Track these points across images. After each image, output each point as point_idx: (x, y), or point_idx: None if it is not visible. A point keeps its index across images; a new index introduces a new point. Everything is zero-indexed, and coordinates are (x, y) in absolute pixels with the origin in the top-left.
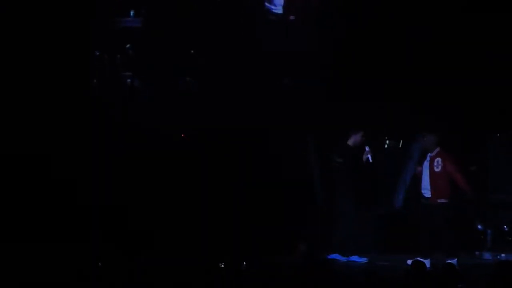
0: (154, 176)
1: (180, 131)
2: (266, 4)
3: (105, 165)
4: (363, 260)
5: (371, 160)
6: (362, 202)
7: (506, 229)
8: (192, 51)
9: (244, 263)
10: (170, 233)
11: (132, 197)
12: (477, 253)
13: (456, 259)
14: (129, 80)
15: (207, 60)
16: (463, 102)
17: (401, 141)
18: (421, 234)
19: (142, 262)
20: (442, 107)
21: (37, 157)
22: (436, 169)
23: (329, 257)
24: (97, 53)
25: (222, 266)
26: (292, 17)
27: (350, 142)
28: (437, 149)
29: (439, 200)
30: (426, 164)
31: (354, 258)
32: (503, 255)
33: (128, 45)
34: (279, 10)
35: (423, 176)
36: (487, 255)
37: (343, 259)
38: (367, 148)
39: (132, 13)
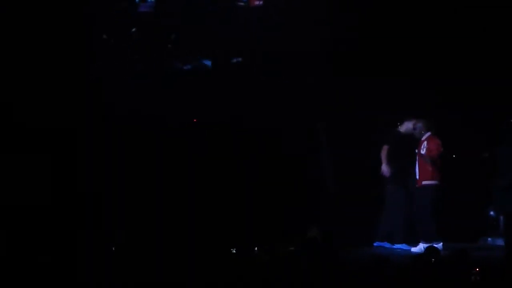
0: (160, 163)
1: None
2: None
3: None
4: (411, 248)
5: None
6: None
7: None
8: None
9: (256, 249)
10: (182, 219)
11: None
12: (489, 239)
13: (441, 243)
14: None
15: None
16: (475, 89)
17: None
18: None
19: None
20: (455, 94)
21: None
22: (422, 152)
23: (376, 244)
24: (101, 37)
25: (234, 251)
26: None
27: (402, 128)
28: (428, 133)
29: (423, 182)
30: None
31: (403, 246)
32: None
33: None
34: None
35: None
36: (499, 241)
37: (391, 246)
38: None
39: None
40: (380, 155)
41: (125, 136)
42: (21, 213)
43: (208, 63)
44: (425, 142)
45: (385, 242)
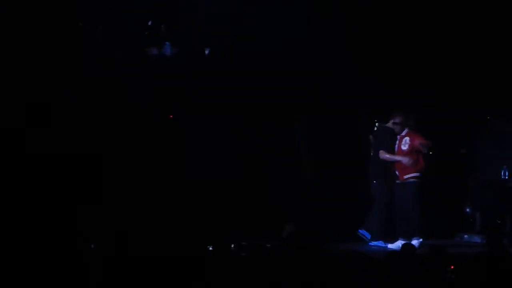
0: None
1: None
2: None
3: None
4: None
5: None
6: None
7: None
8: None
9: (233, 245)
10: (157, 214)
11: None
12: (465, 236)
13: (421, 239)
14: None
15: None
16: (453, 86)
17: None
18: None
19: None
20: (432, 91)
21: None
22: (403, 148)
23: (372, 244)
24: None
25: (211, 248)
26: None
27: (390, 124)
28: (406, 130)
29: (405, 176)
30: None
31: (379, 243)
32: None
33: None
34: None
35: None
36: (475, 238)
37: (385, 245)
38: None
39: None
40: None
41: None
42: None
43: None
44: (407, 138)
45: (380, 241)
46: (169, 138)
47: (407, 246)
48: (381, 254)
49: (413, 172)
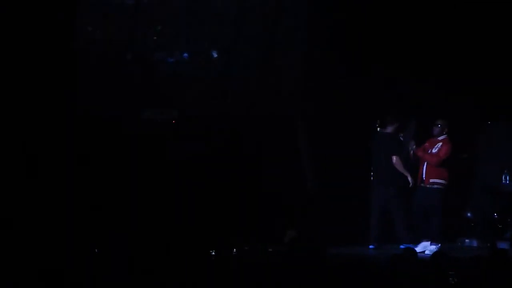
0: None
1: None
2: None
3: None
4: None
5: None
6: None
7: (496, 216)
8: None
9: (235, 250)
10: (157, 219)
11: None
12: (467, 241)
13: (439, 244)
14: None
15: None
16: (456, 91)
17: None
18: (416, 220)
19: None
20: (434, 95)
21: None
22: (434, 151)
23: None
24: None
25: (213, 253)
26: None
27: (389, 130)
28: (445, 135)
29: (430, 180)
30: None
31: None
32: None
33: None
34: None
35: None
36: (476, 243)
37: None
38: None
39: None
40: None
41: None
42: None
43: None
44: (440, 144)
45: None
46: (170, 140)
47: (408, 250)
48: (383, 258)
49: (440, 179)
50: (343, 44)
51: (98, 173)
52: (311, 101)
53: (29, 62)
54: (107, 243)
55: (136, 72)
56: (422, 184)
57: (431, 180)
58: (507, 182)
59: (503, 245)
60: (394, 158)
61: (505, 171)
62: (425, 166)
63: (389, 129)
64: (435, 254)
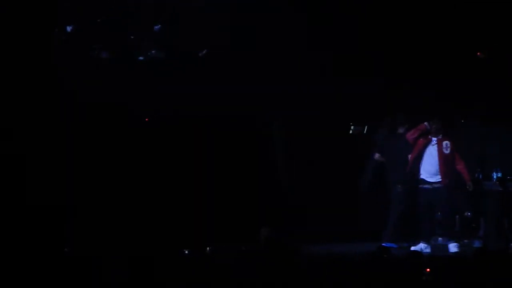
0: (119, 158)
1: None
2: None
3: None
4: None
5: None
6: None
7: (469, 215)
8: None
9: (208, 249)
10: (133, 219)
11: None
12: (440, 239)
13: (458, 243)
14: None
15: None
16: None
17: (366, 126)
18: (423, 219)
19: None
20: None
21: None
22: (446, 152)
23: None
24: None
25: (187, 252)
26: None
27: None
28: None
29: (448, 181)
30: (431, 148)
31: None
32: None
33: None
34: None
35: (426, 160)
36: (450, 241)
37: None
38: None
39: None
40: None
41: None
42: None
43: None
44: (447, 142)
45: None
46: (145, 141)
47: (382, 249)
48: (358, 257)
49: (452, 179)
50: (322, 47)
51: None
52: (286, 103)
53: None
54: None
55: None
56: (439, 185)
57: (448, 180)
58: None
59: (477, 243)
60: (411, 157)
61: (478, 170)
62: (441, 166)
63: (401, 130)
64: (410, 253)
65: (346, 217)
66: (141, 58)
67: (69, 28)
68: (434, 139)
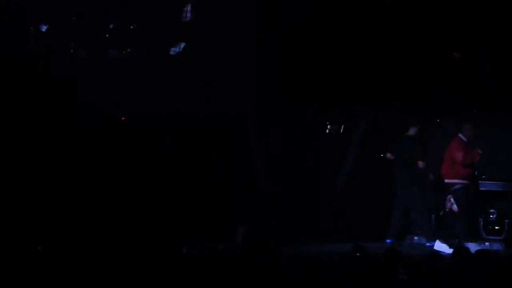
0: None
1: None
2: None
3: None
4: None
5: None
6: None
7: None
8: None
9: (184, 248)
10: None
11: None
12: (415, 238)
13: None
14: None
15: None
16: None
17: (343, 126)
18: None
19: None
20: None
21: None
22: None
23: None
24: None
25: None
26: None
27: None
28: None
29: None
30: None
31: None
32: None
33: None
34: None
35: None
36: (424, 240)
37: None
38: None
39: None
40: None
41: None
42: None
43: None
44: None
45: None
46: (122, 140)
47: (357, 247)
48: (334, 256)
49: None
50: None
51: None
52: (262, 101)
53: None
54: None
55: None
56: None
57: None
58: None
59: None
60: (420, 163)
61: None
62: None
63: (412, 132)
64: (386, 251)
65: (323, 216)
66: (116, 56)
67: (44, 28)
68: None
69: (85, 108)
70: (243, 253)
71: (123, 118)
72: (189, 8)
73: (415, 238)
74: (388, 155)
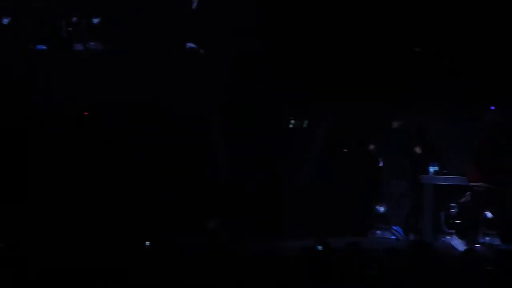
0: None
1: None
2: None
3: None
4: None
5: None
6: None
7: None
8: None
9: (148, 242)
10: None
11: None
12: (378, 232)
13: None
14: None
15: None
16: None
17: (306, 121)
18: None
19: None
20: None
21: None
22: None
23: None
24: None
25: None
26: None
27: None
28: None
29: None
30: None
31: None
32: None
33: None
34: None
35: None
36: (387, 234)
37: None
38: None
39: None
40: None
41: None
42: None
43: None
44: None
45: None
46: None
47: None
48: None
49: None
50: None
51: None
52: (226, 98)
53: None
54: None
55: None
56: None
57: None
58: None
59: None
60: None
61: (434, 163)
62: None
63: (396, 124)
64: (347, 246)
65: (286, 211)
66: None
67: (5, 21)
68: None
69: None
70: (209, 248)
71: (86, 113)
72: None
73: (378, 232)
74: (372, 147)
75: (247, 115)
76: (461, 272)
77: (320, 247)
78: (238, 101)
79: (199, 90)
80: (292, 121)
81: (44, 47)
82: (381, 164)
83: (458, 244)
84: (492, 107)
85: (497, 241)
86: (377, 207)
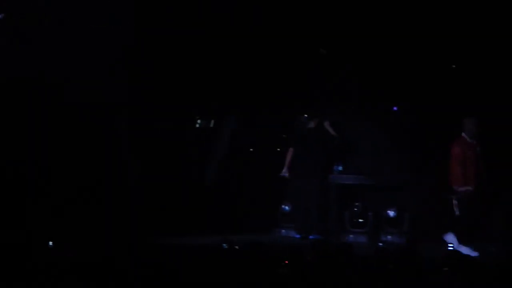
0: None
1: None
2: None
3: None
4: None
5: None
6: None
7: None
8: None
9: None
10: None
11: None
12: (283, 231)
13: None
14: None
15: None
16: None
17: (212, 120)
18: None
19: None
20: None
21: None
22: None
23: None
24: None
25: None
26: None
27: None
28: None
29: None
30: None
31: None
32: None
33: None
34: None
35: None
36: (292, 233)
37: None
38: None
39: None
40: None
41: None
42: None
43: None
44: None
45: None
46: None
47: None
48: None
49: None
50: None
51: None
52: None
53: None
54: None
55: None
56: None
57: None
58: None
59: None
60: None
61: (338, 163)
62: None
63: (312, 124)
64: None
65: (192, 209)
66: None
67: None
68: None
69: None
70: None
71: None
72: None
73: (283, 231)
74: (290, 148)
75: (153, 114)
76: (367, 269)
77: (225, 245)
78: (145, 100)
79: (106, 87)
80: (199, 121)
81: None
82: (289, 163)
83: (467, 250)
84: (395, 108)
85: (396, 239)
86: (283, 206)
